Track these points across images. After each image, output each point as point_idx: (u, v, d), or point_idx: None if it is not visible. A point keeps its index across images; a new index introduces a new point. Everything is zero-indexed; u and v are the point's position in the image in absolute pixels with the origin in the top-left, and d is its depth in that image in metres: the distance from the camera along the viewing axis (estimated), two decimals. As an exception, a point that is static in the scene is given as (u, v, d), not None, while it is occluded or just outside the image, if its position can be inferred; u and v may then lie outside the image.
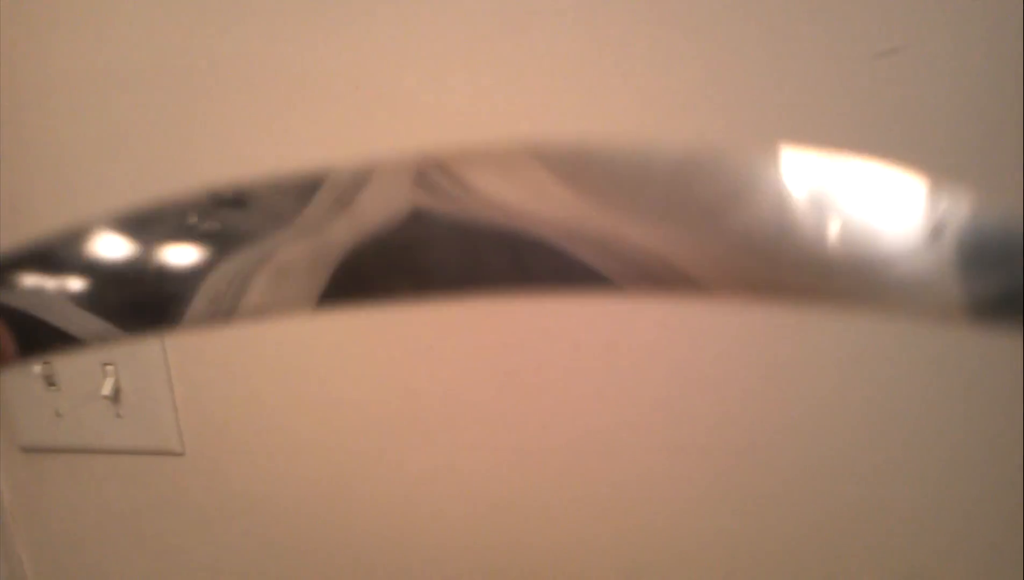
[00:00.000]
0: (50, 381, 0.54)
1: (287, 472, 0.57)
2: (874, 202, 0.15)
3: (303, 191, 0.16)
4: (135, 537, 0.60)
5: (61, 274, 0.17)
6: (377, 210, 0.15)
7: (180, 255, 0.16)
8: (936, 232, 0.15)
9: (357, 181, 0.16)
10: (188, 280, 0.16)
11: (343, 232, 0.16)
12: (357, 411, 0.55)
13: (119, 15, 0.49)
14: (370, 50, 0.48)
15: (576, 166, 0.15)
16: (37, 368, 0.54)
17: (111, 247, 0.17)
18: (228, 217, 0.16)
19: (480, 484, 0.56)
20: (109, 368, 0.54)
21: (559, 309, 0.52)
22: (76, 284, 0.17)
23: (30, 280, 0.17)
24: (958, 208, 0.15)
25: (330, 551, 0.59)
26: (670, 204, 0.15)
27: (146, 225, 0.17)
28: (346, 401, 0.55)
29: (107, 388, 0.53)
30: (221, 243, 0.16)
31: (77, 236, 0.17)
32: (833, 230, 0.15)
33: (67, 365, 0.54)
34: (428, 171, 0.15)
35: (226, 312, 0.16)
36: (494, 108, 0.48)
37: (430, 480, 0.57)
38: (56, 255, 0.17)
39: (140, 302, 0.17)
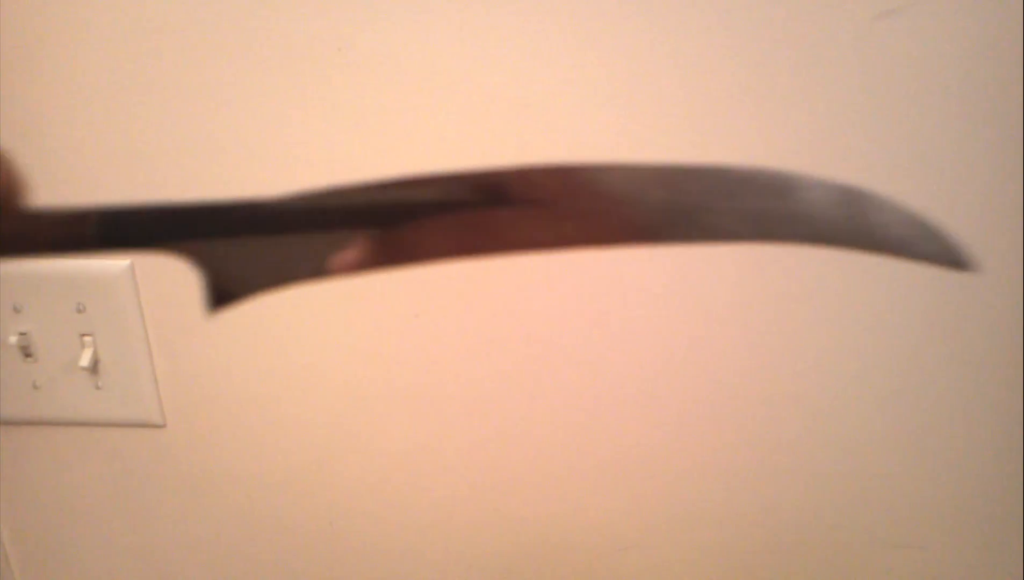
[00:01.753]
0: (27, 352, 0.53)
1: (270, 445, 0.56)
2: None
3: None
4: (116, 511, 0.59)
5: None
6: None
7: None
8: None
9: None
10: None
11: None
12: (341, 382, 0.54)
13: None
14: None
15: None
16: (13, 338, 0.52)
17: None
18: None
19: (467, 456, 0.56)
20: (87, 339, 0.52)
21: (548, 280, 0.51)
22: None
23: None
24: None
25: (313, 525, 0.59)
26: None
27: None
28: (330, 372, 0.54)
29: (85, 359, 0.52)
30: None
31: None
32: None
33: (44, 336, 0.53)
34: None
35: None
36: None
37: (416, 452, 0.56)
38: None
39: None
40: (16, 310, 0.52)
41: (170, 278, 0.51)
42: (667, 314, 0.51)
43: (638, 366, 0.53)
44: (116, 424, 0.55)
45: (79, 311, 0.52)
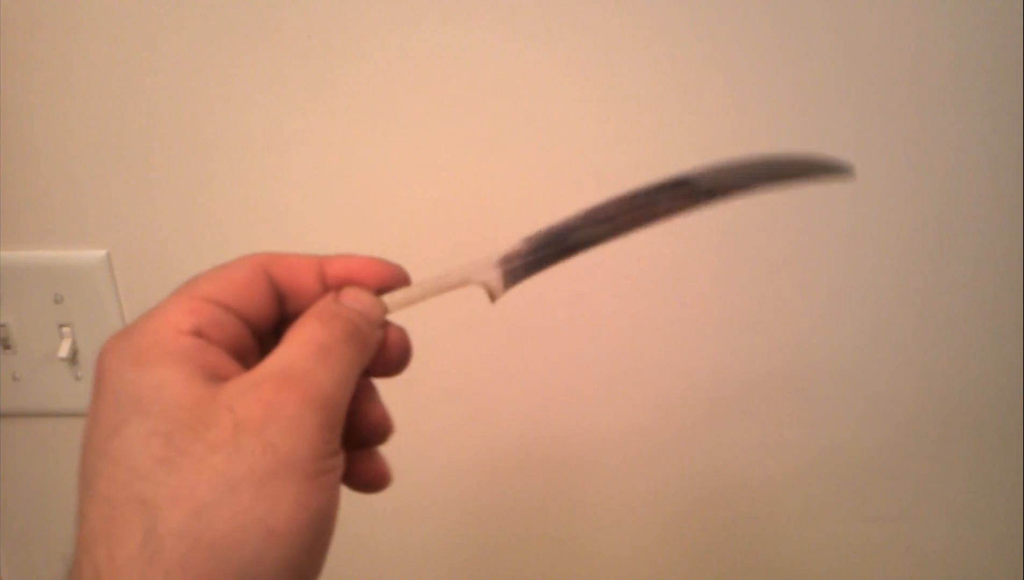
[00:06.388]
0: (5, 344, 0.53)
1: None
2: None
3: None
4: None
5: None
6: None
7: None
8: None
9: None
10: None
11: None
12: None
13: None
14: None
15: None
16: (-10, 330, 0.52)
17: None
18: None
19: (441, 440, 0.56)
20: (66, 330, 0.52)
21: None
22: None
23: None
24: None
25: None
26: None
27: None
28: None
29: (64, 350, 0.52)
30: None
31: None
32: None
33: (22, 327, 0.52)
34: None
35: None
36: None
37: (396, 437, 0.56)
38: None
39: None
40: (-6, 301, 0.52)
41: (147, 267, 0.51)
42: (639, 300, 0.51)
43: (611, 351, 0.53)
44: (96, 415, 0.55)
45: (57, 302, 0.52)
